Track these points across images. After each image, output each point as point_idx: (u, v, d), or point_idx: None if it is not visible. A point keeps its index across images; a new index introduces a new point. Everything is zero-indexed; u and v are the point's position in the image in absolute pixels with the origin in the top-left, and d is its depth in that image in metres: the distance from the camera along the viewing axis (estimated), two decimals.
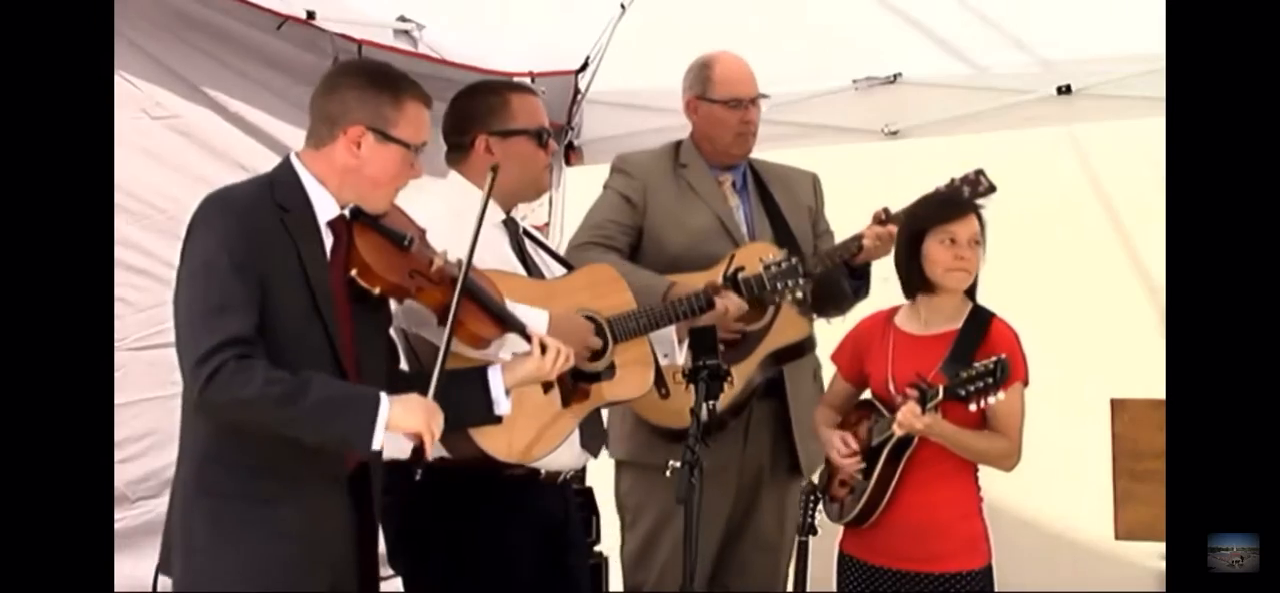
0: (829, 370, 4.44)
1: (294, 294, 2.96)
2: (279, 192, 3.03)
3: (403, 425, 2.97)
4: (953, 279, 3.81)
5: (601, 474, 4.48)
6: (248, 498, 2.95)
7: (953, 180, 4.19)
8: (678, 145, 4.47)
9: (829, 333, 4.45)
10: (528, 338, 3.26)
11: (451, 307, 3.08)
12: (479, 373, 3.25)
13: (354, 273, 3.06)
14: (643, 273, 4.14)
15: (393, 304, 3.32)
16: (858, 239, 4.23)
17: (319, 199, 3.06)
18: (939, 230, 3.80)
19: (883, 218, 4.20)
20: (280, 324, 2.93)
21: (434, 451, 3.37)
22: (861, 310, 4.25)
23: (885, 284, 4.13)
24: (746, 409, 4.29)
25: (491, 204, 3.68)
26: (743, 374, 4.20)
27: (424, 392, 3.05)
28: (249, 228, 2.93)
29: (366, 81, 3.09)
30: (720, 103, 4.36)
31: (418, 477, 3.07)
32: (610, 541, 4.91)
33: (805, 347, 4.35)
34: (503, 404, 3.25)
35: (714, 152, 4.41)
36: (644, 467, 4.25)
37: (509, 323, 3.25)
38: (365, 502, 3.14)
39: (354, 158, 3.05)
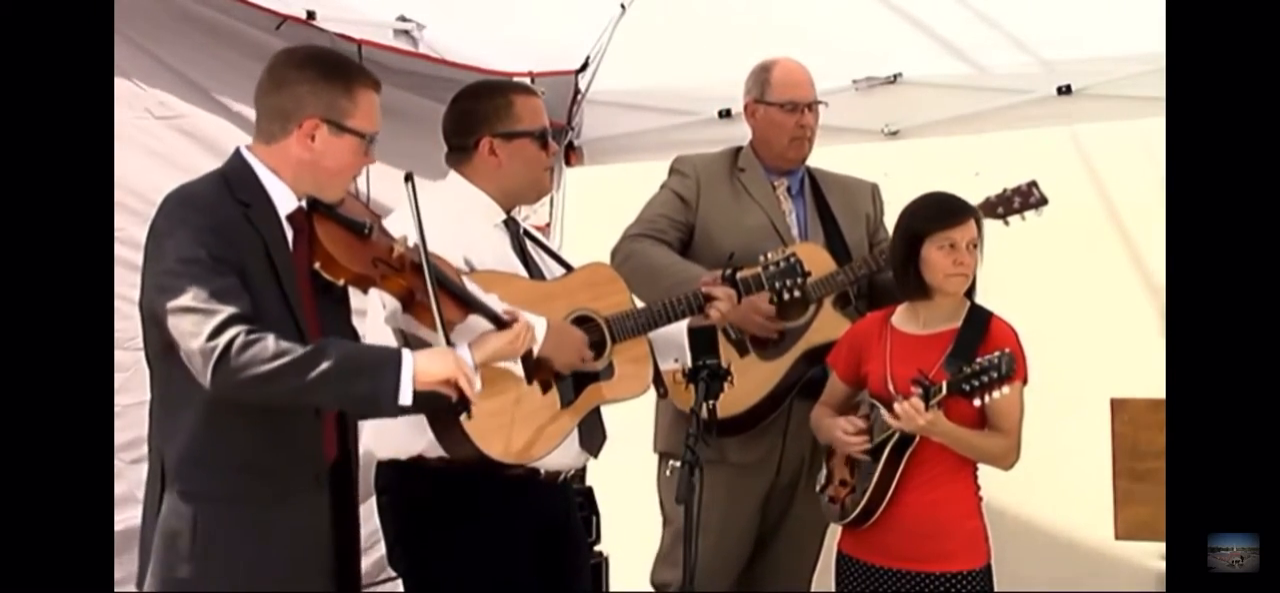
0: None
1: (266, 289, 2.91)
2: (237, 187, 2.97)
3: (432, 375, 2.89)
4: (951, 284, 3.81)
5: (602, 474, 4.49)
6: (233, 501, 2.89)
7: (1005, 189, 4.22)
8: (737, 150, 4.52)
9: None
10: (493, 319, 3.22)
11: (417, 293, 3.03)
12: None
13: (318, 265, 3.00)
14: (692, 265, 4.19)
15: (390, 306, 3.31)
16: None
17: (277, 192, 2.99)
18: (938, 235, 3.79)
19: None
20: (257, 318, 2.85)
21: (433, 452, 3.39)
22: None
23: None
24: (785, 406, 4.28)
25: (492, 204, 3.71)
26: (779, 371, 4.23)
27: None
28: (218, 223, 2.88)
29: (317, 74, 3.01)
30: (777, 106, 4.41)
31: (467, 417, 2.99)
32: (610, 541, 4.92)
33: None
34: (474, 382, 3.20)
35: (770, 155, 4.46)
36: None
37: (473, 305, 3.20)
38: (346, 500, 3.09)
39: (309, 151, 2.98)
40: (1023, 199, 4.25)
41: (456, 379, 2.91)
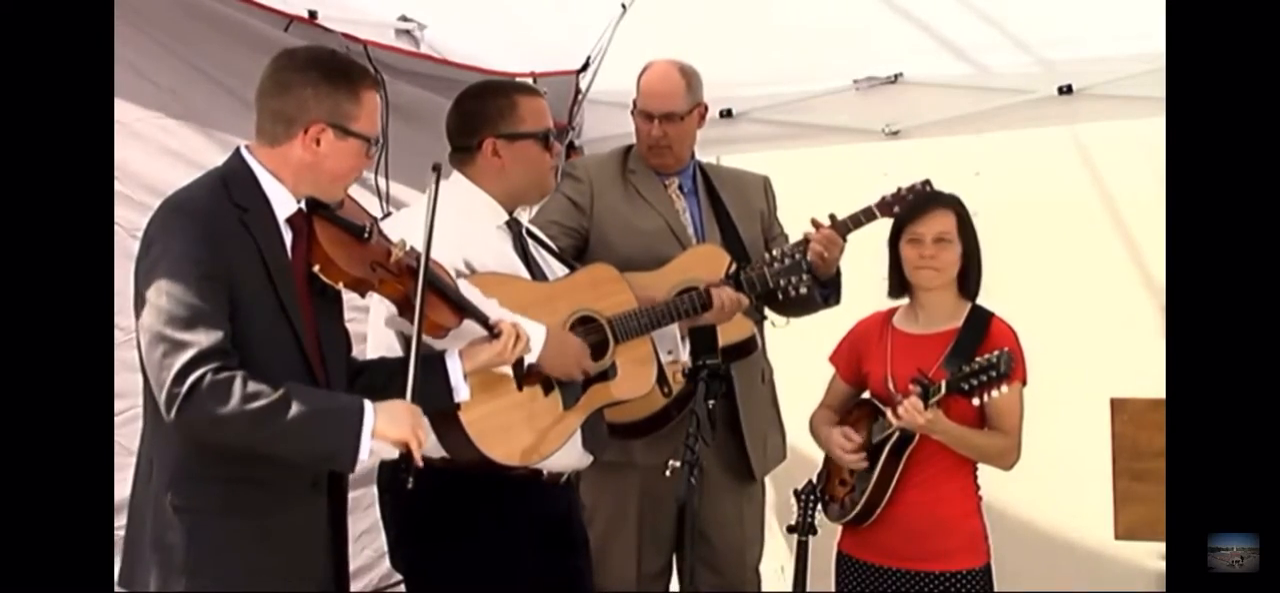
0: (781, 374, 4.43)
1: (259, 295, 2.89)
2: (235, 189, 2.94)
3: (389, 436, 2.89)
4: (921, 277, 3.84)
5: None
6: (229, 512, 2.87)
7: (899, 188, 4.19)
8: (628, 150, 4.45)
9: (783, 337, 4.46)
10: (486, 325, 3.22)
11: (414, 298, 3.01)
12: (437, 359, 3.20)
13: (316, 267, 2.99)
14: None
15: (391, 309, 3.31)
16: (802, 244, 4.14)
17: (276, 195, 2.97)
18: (907, 230, 3.87)
19: (829, 222, 4.15)
20: (248, 327, 2.84)
21: (436, 452, 3.39)
22: (856, 313, 4.24)
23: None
24: (690, 406, 4.23)
25: (495, 205, 3.71)
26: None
27: (385, 380, 3.01)
28: (211, 233, 2.85)
29: (321, 77, 2.97)
30: (638, 113, 4.36)
31: (409, 485, 2.98)
32: None
33: (748, 347, 4.24)
34: (462, 390, 3.21)
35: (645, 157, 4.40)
36: (596, 464, 4.22)
37: (467, 311, 3.20)
38: (339, 502, 3.09)
39: (312, 154, 2.96)
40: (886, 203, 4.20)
41: (410, 443, 2.89)
